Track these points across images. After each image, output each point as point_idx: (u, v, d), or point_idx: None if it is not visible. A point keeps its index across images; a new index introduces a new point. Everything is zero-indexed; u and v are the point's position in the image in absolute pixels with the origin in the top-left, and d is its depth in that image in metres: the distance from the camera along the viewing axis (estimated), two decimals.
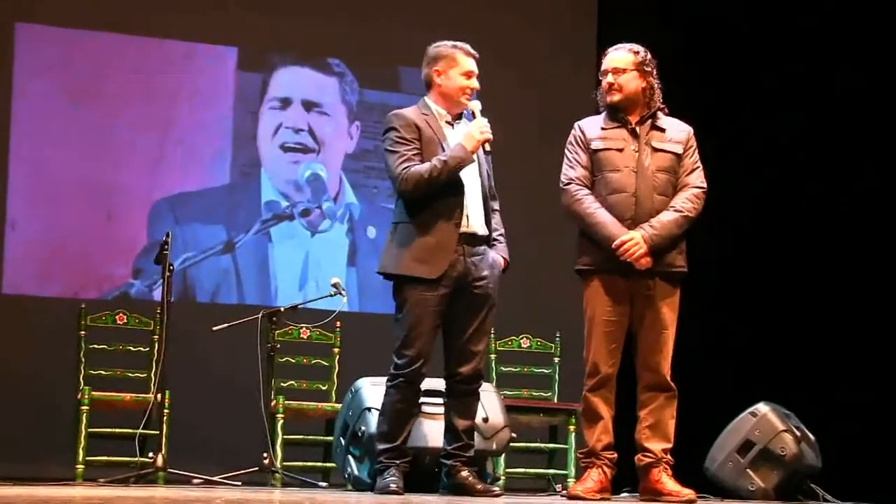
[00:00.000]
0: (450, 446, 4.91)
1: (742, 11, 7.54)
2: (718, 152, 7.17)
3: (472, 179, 4.88)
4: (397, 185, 4.81)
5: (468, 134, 4.83)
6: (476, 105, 4.93)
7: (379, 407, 5.09)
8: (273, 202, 7.61)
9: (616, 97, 4.94)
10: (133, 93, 7.38)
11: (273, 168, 7.65)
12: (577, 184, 4.89)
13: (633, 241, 4.77)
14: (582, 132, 4.96)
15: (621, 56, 4.99)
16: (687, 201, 4.89)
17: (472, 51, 4.95)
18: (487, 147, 4.84)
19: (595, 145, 4.91)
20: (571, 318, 7.53)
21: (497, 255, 4.96)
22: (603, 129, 4.94)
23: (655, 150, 4.91)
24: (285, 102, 7.70)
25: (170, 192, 7.43)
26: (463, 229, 4.82)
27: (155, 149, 7.42)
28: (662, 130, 4.96)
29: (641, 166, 4.87)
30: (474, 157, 4.82)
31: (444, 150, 4.82)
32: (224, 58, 7.60)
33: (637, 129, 4.93)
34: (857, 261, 6.99)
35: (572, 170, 4.92)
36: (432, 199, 4.78)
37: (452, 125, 4.93)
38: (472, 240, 4.85)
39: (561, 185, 4.94)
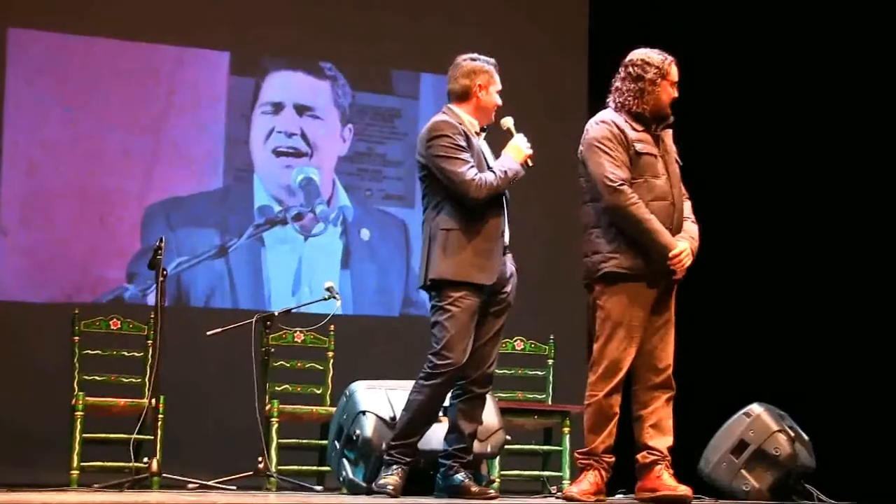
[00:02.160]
0: (451, 447, 4.93)
1: (734, 9, 7.56)
2: (711, 153, 7.20)
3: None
4: (469, 191, 4.77)
5: (516, 147, 4.92)
6: (510, 121, 5.03)
7: (374, 410, 5.10)
8: (266, 207, 7.61)
9: None
10: (126, 97, 7.37)
11: (266, 172, 7.64)
12: (630, 185, 4.76)
13: (686, 253, 4.78)
14: (621, 131, 4.82)
15: None
16: (692, 213, 4.94)
17: None
18: (530, 162, 4.92)
19: (638, 147, 4.81)
20: (566, 320, 7.58)
21: (512, 264, 4.99)
22: (636, 131, 4.86)
23: (674, 160, 4.93)
24: (278, 107, 7.70)
25: (163, 197, 7.42)
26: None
27: (148, 153, 7.42)
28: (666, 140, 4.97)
29: (674, 174, 4.88)
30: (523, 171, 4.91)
31: (485, 161, 4.89)
32: (216, 62, 7.60)
33: (660, 136, 4.91)
34: (851, 261, 7.01)
35: (619, 170, 4.76)
36: (484, 207, 4.83)
37: (479, 137, 5.00)
38: (504, 249, 4.93)
39: (609, 182, 4.73)
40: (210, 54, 7.60)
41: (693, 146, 5.10)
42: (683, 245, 4.78)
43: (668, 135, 4.94)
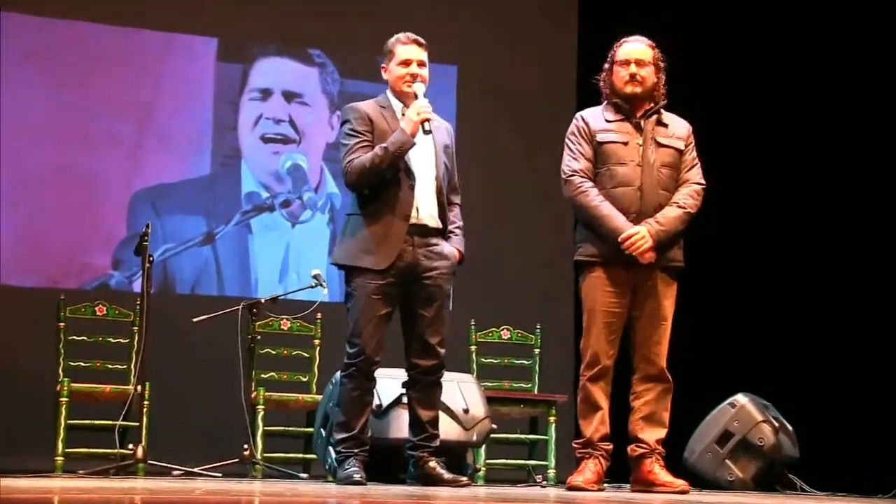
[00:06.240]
0: (415, 437, 4.93)
1: (726, 10, 7.56)
2: (701, 145, 7.20)
3: (425, 171, 4.90)
4: (345, 177, 4.86)
5: (407, 117, 4.84)
6: (418, 87, 4.91)
7: None
8: (253, 193, 7.60)
9: (638, 89, 4.92)
10: (113, 83, 7.35)
11: (253, 159, 7.63)
12: (581, 175, 4.86)
13: (640, 236, 4.77)
14: (585, 123, 4.94)
15: (642, 49, 4.98)
16: (689, 197, 4.91)
17: (414, 37, 4.96)
18: (427, 126, 4.81)
19: (600, 137, 4.90)
20: (552, 309, 7.59)
21: (451, 247, 4.94)
22: (608, 121, 4.93)
23: (660, 145, 4.92)
24: (266, 93, 7.69)
25: (150, 184, 7.41)
26: (413, 220, 4.83)
27: (135, 139, 7.40)
28: (665, 126, 4.97)
29: (647, 161, 4.88)
30: (415, 140, 4.81)
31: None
32: (204, 48, 7.58)
33: (642, 123, 4.93)
34: (837, 253, 7.02)
35: (575, 161, 4.89)
36: (383, 190, 4.81)
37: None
38: (423, 231, 4.87)
39: (563, 175, 4.92)
40: (198, 40, 7.58)
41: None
42: (637, 229, 4.78)
43: (653, 122, 4.95)
